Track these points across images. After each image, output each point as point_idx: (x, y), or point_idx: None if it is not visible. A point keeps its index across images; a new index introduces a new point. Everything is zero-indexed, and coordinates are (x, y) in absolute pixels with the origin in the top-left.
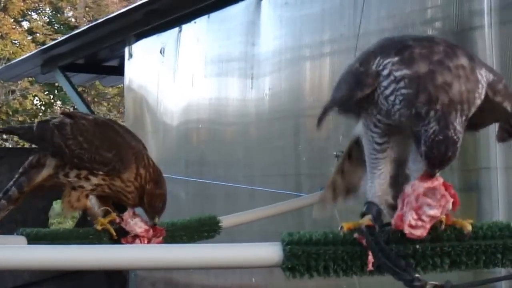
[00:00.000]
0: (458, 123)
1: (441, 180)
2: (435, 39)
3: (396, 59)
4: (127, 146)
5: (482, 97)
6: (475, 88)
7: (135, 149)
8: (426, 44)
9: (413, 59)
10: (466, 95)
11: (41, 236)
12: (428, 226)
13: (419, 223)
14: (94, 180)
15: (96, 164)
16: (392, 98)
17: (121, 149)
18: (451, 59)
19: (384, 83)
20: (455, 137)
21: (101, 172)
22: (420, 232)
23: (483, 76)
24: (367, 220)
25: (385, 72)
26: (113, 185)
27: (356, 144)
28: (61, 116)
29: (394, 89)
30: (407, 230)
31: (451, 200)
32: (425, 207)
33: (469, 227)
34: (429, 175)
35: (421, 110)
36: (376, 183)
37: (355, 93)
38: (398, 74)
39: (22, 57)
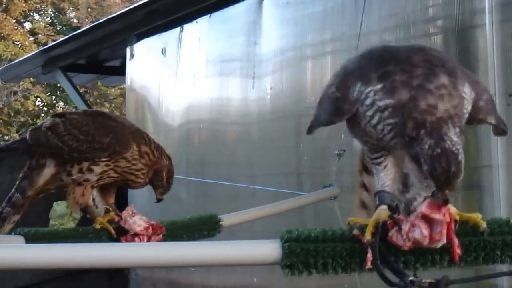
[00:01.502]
0: (453, 134)
1: (447, 217)
2: (415, 60)
3: (378, 87)
4: (122, 127)
5: (469, 109)
6: (461, 102)
7: (131, 128)
8: (406, 68)
9: (395, 88)
10: (453, 111)
11: (39, 235)
12: (409, 245)
13: (404, 236)
14: (98, 169)
15: (96, 152)
16: (380, 127)
17: (116, 131)
18: (431, 81)
19: (369, 113)
20: (453, 149)
21: (103, 159)
22: (400, 243)
23: (466, 93)
24: (384, 214)
25: (368, 101)
26: (119, 167)
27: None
28: (51, 118)
29: (380, 118)
30: (392, 233)
31: (443, 242)
32: (417, 229)
33: (484, 224)
34: (442, 200)
35: (412, 134)
36: (381, 175)
37: (334, 119)
38: (381, 104)
39: (23, 58)
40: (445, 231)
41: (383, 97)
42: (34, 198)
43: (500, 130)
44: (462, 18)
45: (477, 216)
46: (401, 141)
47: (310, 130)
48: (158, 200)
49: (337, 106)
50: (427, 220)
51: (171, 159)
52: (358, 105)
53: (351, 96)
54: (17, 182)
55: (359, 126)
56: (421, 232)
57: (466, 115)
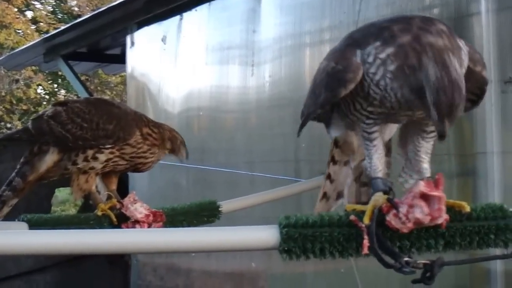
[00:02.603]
0: (456, 63)
1: (443, 195)
2: (409, 15)
3: (378, 43)
4: (125, 114)
5: (466, 64)
6: (459, 50)
7: (132, 113)
8: (402, 20)
9: (394, 36)
10: (452, 49)
11: (42, 222)
12: (410, 225)
13: (403, 218)
14: (103, 156)
15: (101, 139)
16: (383, 82)
17: (120, 118)
18: (430, 26)
19: (372, 70)
20: (459, 81)
21: (107, 146)
22: (399, 226)
23: (463, 46)
24: (381, 199)
25: (370, 58)
26: (125, 154)
27: (336, 146)
28: (53, 107)
29: (384, 71)
30: (389, 217)
31: (445, 217)
32: (417, 208)
33: (468, 208)
34: (439, 134)
35: (414, 62)
36: (374, 158)
37: (338, 92)
38: (383, 55)
39: (25, 46)
40: (443, 207)
41: (384, 48)
42: (34, 183)
43: (468, 105)
44: (459, 6)
45: (463, 203)
46: (398, 82)
47: (302, 127)
48: (186, 157)
49: (339, 77)
50: (425, 198)
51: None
52: (362, 68)
53: (354, 63)
54: (18, 166)
55: (361, 98)
56: (422, 211)
57: (465, 63)
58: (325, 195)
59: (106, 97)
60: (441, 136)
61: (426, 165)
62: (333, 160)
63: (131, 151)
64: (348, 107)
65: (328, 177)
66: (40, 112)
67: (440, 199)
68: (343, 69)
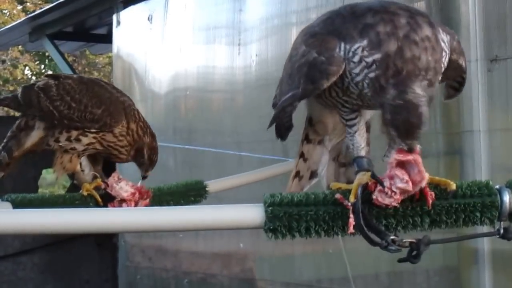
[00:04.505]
0: (417, 86)
1: (418, 157)
2: (391, 9)
3: (364, 42)
4: (116, 100)
5: (446, 64)
6: (441, 57)
7: (125, 103)
8: (387, 18)
9: (381, 41)
10: (433, 64)
11: (27, 202)
12: (397, 197)
13: (389, 192)
14: (85, 140)
15: (87, 122)
16: (361, 85)
17: (110, 104)
18: (416, 32)
19: (356, 70)
20: (414, 101)
21: (92, 130)
22: (388, 201)
23: (445, 41)
24: (365, 177)
25: (356, 58)
26: (105, 141)
27: (310, 124)
28: (45, 78)
29: (366, 74)
30: (375, 195)
31: (426, 178)
32: (396, 179)
33: (453, 186)
34: (405, 149)
35: (383, 83)
36: (357, 136)
37: (319, 84)
38: (369, 60)
39: (10, 25)
40: (422, 169)
41: (370, 52)
42: (20, 157)
43: (452, 93)
44: None
45: (448, 181)
46: (373, 93)
47: (276, 118)
48: (144, 178)
49: (322, 69)
50: (402, 166)
51: (155, 136)
52: (346, 66)
53: (337, 57)
54: (4, 141)
55: (335, 89)
56: (401, 179)
57: (443, 69)
58: (298, 174)
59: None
60: (409, 149)
61: None
62: (307, 139)
63: (111, 139)
64: (324, 92)
65: (302, 155)
66: (32, 81)
67: (416, 162)
68: (326, 61)
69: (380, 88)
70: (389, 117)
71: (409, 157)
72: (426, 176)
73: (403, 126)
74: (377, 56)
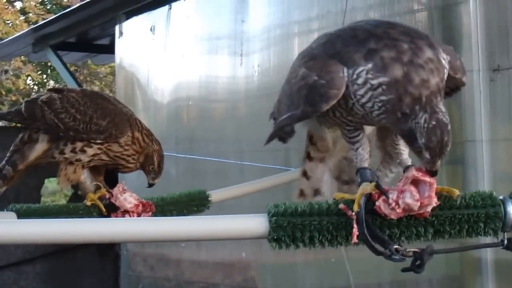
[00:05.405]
0: (441, 105)
1: (434, 183)
2: (393, 35)
3: (369, 66)
4: (120, 111)
5: (446, 75)
6: (444, 76)
7: (128, 114)
8: (390, 43)
9: (386, 65)
10: (441, 85)
11: (31, 211)
12: (399, 211)
13: (393, 204)
14: (91, 151)
15: (92, 133)
16: (369, 104)
17: (115, 115)
18: (419, 56)
19: (360, 92)
20: (444, 119)
21: (98, 141)
22: (388, 212)
23: (446, 60)
24: (369, 187)
25: (360, 80)
26: (111, 151)
27: (311, 142)
28: (48, 92)
29: (372, 96)
30: (378, 203)
31: (434, 204)
32: (407, 193)
33: (457, 192)
34: (430, 171)
35: (406, 110)
36: (360, 150)
37: (319, 107)
38: (375, 82)
39: (14, 36)
40: (433, 195)
41: (376, 75)
42: (24, 171)
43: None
44: None
45: (452, 189)
46: (392, 118)
47: (272, 137)
48: (150, 185)
49: (322, 92)
50: (416, 185)
51: (161, 144)
52: (349, 86)
53: (337, 80)
54: (8, 155)
55: (339, 110)
56: (412, 196)
57: (444, 82)
58: (302, 193)
59: (96, 88)
60: (433, 172)
61: (406, 157)
62: (309, 157)
63: (117, 149)
64: (327, 112)
65: (304, 174)
66: (35, 96)
67: (431, 186)
68: (326, 84)
69: (404, 115)
70: (425, 140)
71: (427, 178)
72: (434, 202)
73: (438, 146)
74: (382, 79)
